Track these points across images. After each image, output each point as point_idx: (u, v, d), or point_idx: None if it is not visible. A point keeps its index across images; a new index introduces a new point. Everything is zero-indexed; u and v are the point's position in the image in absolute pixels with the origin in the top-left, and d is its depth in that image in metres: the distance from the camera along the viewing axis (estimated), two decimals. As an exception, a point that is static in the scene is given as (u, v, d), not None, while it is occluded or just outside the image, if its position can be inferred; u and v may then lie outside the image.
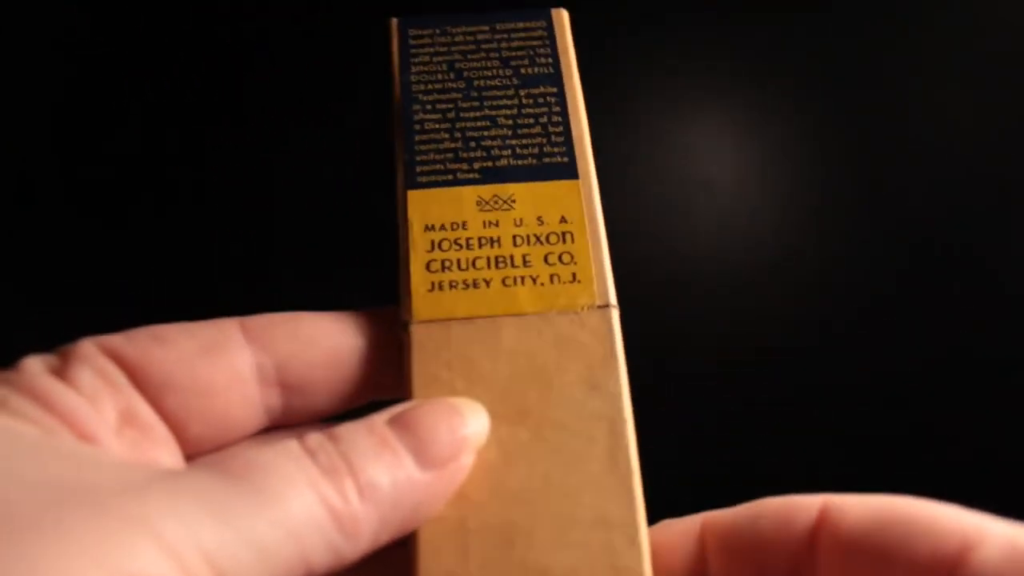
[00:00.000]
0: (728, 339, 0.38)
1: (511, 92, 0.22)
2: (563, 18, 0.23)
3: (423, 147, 0.21)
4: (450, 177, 0.20)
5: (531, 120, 0.21)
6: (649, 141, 0.40)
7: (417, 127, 0.21)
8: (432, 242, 0.20)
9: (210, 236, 0.39)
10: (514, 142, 0.21)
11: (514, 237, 0.20)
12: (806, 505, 0.18)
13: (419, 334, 0.19)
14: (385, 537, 0.16)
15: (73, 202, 0.39)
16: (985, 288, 0.39)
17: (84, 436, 0.16)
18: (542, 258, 0.19)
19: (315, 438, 0.16)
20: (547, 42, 0.23)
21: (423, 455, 0.16)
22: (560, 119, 0.21)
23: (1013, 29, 0.41)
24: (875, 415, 0.37)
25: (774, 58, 0.41)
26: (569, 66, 0.22)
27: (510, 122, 0.21)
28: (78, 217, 0.39)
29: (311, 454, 0.15)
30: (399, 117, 0.21)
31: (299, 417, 0.19)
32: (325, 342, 0.19)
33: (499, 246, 0.20)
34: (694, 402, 0.37)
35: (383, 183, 0.39)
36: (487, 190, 0.20)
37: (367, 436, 0.16)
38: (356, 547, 0.15)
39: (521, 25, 0.23)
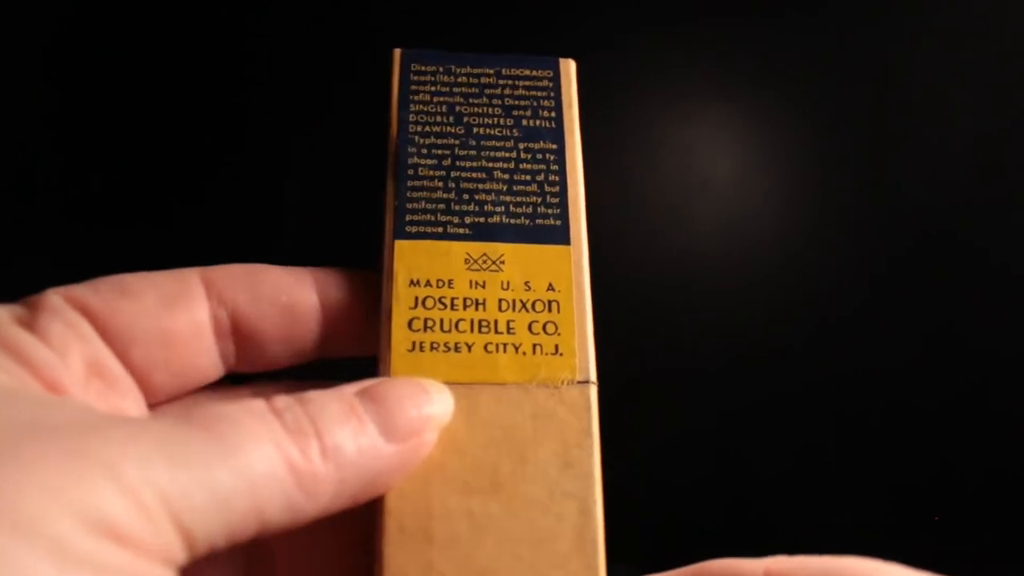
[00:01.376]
0: (728, 339, 0.38)
1: (510, 144, 0.21)
2: (570, 70, 0.23)
3: (415, 194, 0.20)
4: (440, 230, 0.20)
5: (528, 177, 0.21)
6: (649, 141, 0.40)
7: (411, 172, 0.21)
8: (416, 298, 0.19)
9: (211, 242, 0.39)
10: (508, 199, 0.20)
11: (500, 301, 0.19)
12: (749, 570, 0.18)
13: None
14: (342, 501, 0.16)
15: (74, 205, 0.39)
16: (988, 287, 0.39)
17: (52, 386, 0.16)
18: (526, 326, 0.19)
19: (283, 399, 0.16)
20: (552, 94, 0.22)
21: (388, 427, 0.17)
22: (557, 179, 0.21)
23: (1013, 29, 0.41)
24: (877, 414, 0.37)
25: (775, 58, 0.41)
26: (571, 122, 0.22)
27: (506, 176, 0.21)
28: (79, 220, 0.39)
29: (277, 413, 0.16)
30: (393, 158, 0.21)
31: (254, 367, 0.20)
32: (280, 297, 0.19)
33: (484, 309, 0.19)
34: (694, 402, 0.37)
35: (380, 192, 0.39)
36: (477, 248, 0.20)
37: (336, 402, 0.17)
38: (313, 506, 0.16)
39: (527, 72, 0.22)
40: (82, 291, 0.18)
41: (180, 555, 0.14)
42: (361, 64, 0.42)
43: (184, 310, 0.18)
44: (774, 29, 0.41)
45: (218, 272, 0.19)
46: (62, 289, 0.17)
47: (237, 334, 0.19)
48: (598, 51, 0.41)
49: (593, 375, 0.19)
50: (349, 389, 0.17)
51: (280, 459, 0.15)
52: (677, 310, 0.39)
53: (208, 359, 0.19)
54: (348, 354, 0.20)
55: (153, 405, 0.18)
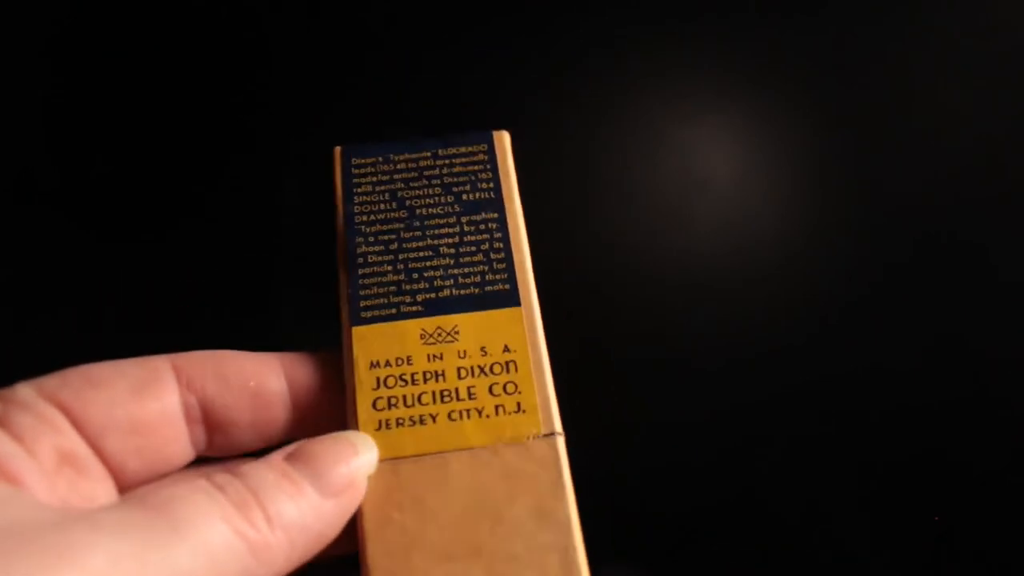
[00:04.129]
0: (728, 339, 0.38)
1: (453, 220, 0.22)
2: (504, 141, 0.23)
3: (367, 281, 0.21)
4: (393, 311, 0.21)
5: (473, 248, 0.21)
6: (649, 141, 0.40)
7: (360, 260, 0.21)
8: (378, 379, 0.20)
9: (211, 242, 0.39)
10: (456, 271, 0.21)
11: (458, 370, 0.20)
12: None
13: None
14: (296, 560, 0.17)
15: (72, 204, 0.39)
16: (988, 287, 0.39)
17: (11, 478, 0.16)
18: (487, 389, 0.20)
19: (222, 476, 0.17)
20: (488, 166, 0.23)
21: (322, 485, 0.18)
22: (501, 245, 0.21)
23: (1013, 29, 0.41)
24: (877, 414, 0.37)
25: (775, 58, 0.41)
26: (510, 190, 0.22)
27: (452, 251, 0.21)
28: (77, 219, 0.39)
29: (220, 489, 0.16)
30: (342, 249, 0.22)
31: (224, 452, 0.20)
32: (248, 383, 0.20)
33: (444, 380, 0.20)
34: (693, 402, 0.37)
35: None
36: (430, 323, 0.20)
37: (268, 470, 0.17)
38: (269, 571, 0.16)
39: (463, 150, 0.23)
40: (53, 383, 0.18)
41: None
42: (362, 63, 0.42)
43: (154, 397, 0.19)
44: (774, 29, 0.41)
45: (187, 359, 0.20)
46: (34, 382, 0.18)
47: (207, 420, 0.20)
48: (598, 51, 0.41)
49: (558, 426, 0.19)
50: (277, 455, 0.18)
51: (233, 533, 0.16)
52: (677, 310, 0.39)
53: (179, 445, 0.19)
54: (318, 435, 0.21)
55: (126, 490, 0.19)
